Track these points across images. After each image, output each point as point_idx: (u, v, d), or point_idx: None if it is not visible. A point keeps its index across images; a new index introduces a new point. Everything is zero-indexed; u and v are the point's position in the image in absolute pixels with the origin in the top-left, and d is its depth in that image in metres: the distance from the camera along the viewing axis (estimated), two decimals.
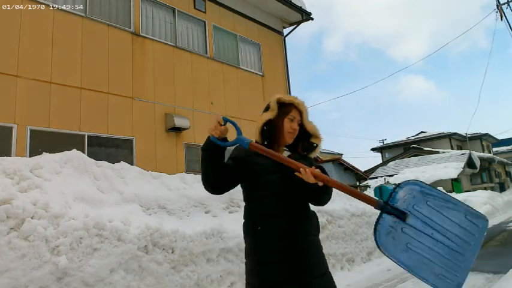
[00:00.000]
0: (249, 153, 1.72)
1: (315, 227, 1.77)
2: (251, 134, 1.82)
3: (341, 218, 6.08)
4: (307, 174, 1.54)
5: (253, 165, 1.71)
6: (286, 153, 1.84)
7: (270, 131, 1.78)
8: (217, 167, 1.66)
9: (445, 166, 20.53)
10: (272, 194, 1.67)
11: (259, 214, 1.70)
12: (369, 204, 1.58)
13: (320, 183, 1.56)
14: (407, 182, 1.58)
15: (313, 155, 1.87)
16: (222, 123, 1.63)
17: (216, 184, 1.71)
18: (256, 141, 1.76)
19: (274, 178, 1.68)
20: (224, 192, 1.78)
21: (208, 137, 1.62)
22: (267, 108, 1.84)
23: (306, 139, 1.85)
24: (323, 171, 1.65)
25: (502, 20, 13.71)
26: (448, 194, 2.17)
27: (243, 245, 1.80)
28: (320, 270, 1.67)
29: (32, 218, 3.03)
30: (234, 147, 1.78)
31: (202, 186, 1.74)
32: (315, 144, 1.84)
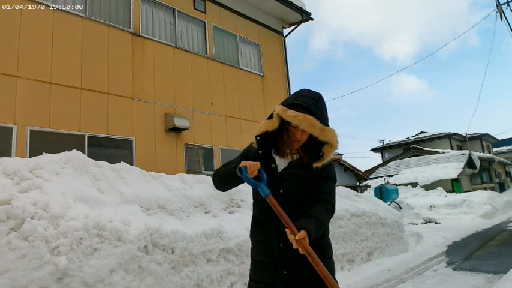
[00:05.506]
0: (257, 157, 1.83)
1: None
2: (251, 133, 1.83)
3: (341, 218, 6.07)
4: (293, 241, 1.53)
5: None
6: (295, 157, 1.83)
7: (268, 139, 1.81)
8: (233, 186, 1.92)
9: (445, 166, 20.52)
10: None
11: (257, 217, 1.90)
12: None
13: (301, 251, 1.53)
14: None
15: (317, 165, 1.77)
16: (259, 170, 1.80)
17: (223, 190, 2.04)
18: (254, 146, 1.85)
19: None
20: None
21: (241, 168, 1.75)
22: (270, 117, 1.81)
23: (319, 146, 1.76)
24: (333, 176, 1.82)
25: (502, 20, 13.71)
26: None
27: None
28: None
29: (32, 218, 3.03)
30: (246, 148, 1.95)
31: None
32: (321, 153, 1.76)
